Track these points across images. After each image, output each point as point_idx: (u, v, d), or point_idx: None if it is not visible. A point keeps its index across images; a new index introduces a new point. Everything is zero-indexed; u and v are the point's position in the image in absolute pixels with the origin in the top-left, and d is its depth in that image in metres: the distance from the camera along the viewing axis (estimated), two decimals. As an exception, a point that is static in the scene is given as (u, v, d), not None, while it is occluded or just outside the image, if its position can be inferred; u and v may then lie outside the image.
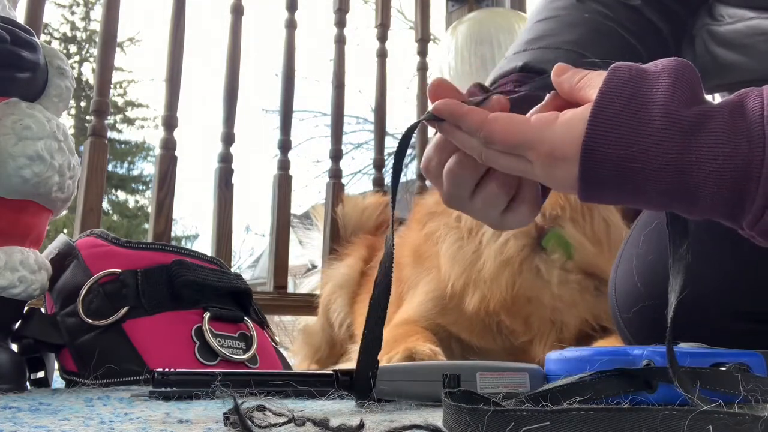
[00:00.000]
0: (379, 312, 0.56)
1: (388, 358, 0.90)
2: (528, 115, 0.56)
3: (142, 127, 13.89)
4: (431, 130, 1.22)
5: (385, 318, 0.56)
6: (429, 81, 2.18)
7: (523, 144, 0.52)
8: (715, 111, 0.47)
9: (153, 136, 13.80)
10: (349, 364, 1.17)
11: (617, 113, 0.48)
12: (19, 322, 0.82)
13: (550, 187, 0.56)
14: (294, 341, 1.89)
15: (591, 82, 0.52)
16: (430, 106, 0.57)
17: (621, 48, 0.86)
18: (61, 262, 0.91)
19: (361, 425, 0.40)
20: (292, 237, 1.89)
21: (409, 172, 5.64)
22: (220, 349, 0.88)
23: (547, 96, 0.58)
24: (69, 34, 13.32)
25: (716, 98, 0.94)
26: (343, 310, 1.53)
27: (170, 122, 1.63)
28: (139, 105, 13.79)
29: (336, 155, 1.94)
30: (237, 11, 1.78)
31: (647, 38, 0.87)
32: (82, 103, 12.27)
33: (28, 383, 0.81)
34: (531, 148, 0.51)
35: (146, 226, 11.04)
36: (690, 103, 0.48)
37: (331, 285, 1.61)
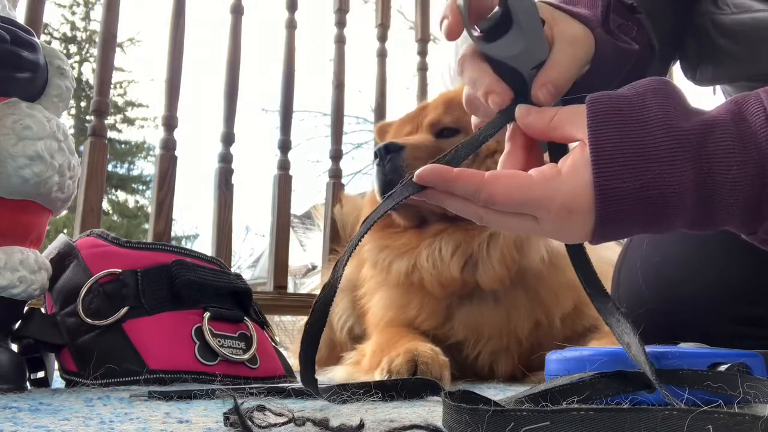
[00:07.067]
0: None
1: (389, 359, 0.88)
2: (500, 167, 0.53)
3: (142, 127, 13.92)
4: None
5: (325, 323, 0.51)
6: (429, 81, 2.19)
7: (531, 202, 0.48)
8: (716, 119, 0.46)
9: (153, 136, 13.83)
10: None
11: (618, 146, 0.46)
12: (19, 322, 0.82)
13: (558, 240, 0.53)
14: (294, 341, 1.89)
15: (569, 118, 0.50)
16: (415, 175, 0.49)
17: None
18: (61, 262, 0.91)
19: (361, 425, 0.40)
20: (292, 237, 1.88)
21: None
22: (220, 349, 0.88)
23: (507, 138, 0.55)
24: (69, 34, 13.33)
25: (717, 90, 0.92)
26: (345, 312, 1.53)
27: (170, 122, 1.63)
28: (139, 105, 13.82)
29: (336, 155, 1.94)
30: (237, 11, 1.78)
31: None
32: (82, 103, 12.29)
33: (28, 383, 0.81)
34: (541, 206, 0.48)
35: (146, 226, 11.05)
36: (686, 116, 0.47)
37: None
